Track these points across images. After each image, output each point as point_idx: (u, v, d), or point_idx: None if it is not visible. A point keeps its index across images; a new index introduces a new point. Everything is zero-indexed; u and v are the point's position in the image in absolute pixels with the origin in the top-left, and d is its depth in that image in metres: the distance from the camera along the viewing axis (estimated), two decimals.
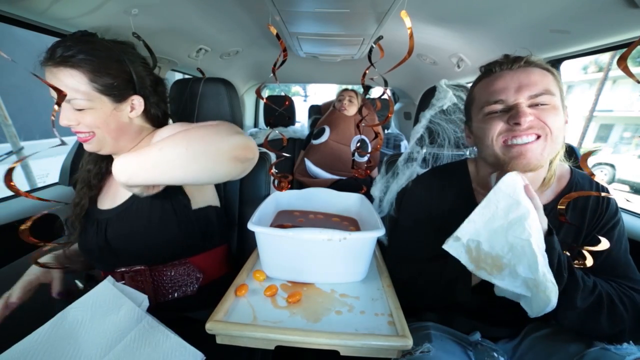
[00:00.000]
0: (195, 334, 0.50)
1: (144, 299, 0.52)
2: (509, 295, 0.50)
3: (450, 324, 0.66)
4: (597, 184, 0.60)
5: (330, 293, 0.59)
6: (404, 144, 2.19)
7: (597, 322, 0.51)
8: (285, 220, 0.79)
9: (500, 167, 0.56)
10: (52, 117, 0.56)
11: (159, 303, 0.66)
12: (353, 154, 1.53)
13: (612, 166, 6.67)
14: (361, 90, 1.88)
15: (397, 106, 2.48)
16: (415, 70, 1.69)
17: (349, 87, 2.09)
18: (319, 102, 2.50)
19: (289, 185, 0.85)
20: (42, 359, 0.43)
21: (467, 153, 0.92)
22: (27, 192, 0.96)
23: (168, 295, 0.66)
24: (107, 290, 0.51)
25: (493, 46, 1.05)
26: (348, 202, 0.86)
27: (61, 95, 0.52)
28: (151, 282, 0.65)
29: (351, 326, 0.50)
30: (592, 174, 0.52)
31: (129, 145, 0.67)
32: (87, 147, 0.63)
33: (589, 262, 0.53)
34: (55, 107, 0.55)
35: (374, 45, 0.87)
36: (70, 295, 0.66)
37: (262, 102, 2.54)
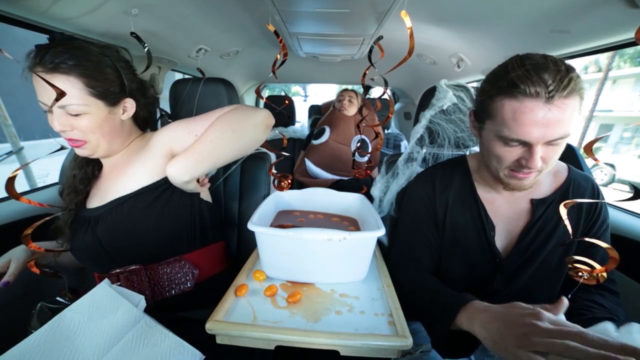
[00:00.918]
0: (194, 335, 0.50)
1: (140, 300, 0.52)
2: None
3: None
4: (593, 182, 0.64)
5: (330, 293, 0.59)
6: (404, 144, 2.18)
7: None
8: (285, 220, 0.79)
9: (498, 180, 0.60)
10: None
11: (156, 302, 0.66)
12: (353, 154, 1.53)
13: (612, 166, 6.68)
14: (361, 90, 1.88)
15: (397, 106, 2.48)
16: (415, 70, 1.68)
17: (349, 87, 2.09)
18: (319, 102, 2.50)
19: (289, 185, 0.85)
20: None
21: (467, 153, 0.91)
22: (27, 192, 0.97)
23: (165, 293, 0.66)
24: (104, 292, 0.51)
25: (493, 46, 1.05)
26: (348, 202, 0.86)
27: (62, 96, 0.52)
28: (147, 281, 0.65)
29: (351, 326, 0.50)
30: (596, 159, 0.49)
31: (120, 147, 0.68)
32: (80, 152, 0.64)
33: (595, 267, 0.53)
34: (49, 114, 0.56)
35: (374, 45, 0.87)
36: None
37: (262, 102, 2.53)
